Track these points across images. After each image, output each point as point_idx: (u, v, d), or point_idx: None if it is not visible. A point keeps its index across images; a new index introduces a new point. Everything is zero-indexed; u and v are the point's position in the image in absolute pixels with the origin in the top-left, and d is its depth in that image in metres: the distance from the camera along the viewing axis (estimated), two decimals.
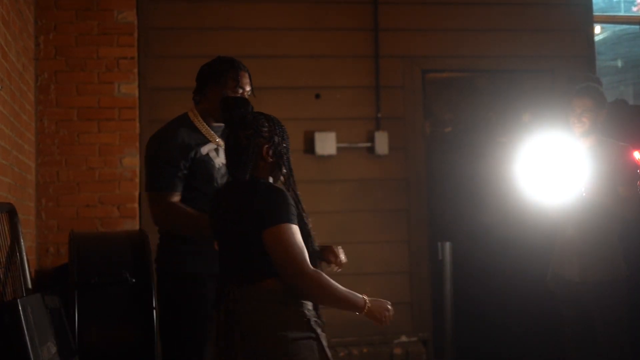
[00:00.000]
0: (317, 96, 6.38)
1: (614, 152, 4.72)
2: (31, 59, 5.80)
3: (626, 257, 4.80)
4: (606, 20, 7.92)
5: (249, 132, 3.14)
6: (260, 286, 3.00)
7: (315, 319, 3.04)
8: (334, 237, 6.32)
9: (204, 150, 4.02)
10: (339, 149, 6.33)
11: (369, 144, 6.40)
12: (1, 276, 3.79)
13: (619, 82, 9.60)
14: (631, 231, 4.99)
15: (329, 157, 6.33)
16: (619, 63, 9.44)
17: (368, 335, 6.27)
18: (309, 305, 3.03)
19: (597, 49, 6.99)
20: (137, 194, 6.00)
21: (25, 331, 3.42)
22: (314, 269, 2.96)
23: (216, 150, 4.04)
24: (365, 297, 3.07)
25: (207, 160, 4.02)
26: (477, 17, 6.68)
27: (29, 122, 5.64)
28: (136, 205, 5.99)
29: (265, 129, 3.17)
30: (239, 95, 4.08)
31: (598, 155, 4.69)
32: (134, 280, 4.37)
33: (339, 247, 3.37)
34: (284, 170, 3.21)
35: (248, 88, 4.17)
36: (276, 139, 3.18)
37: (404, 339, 6.38)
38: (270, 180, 3.18)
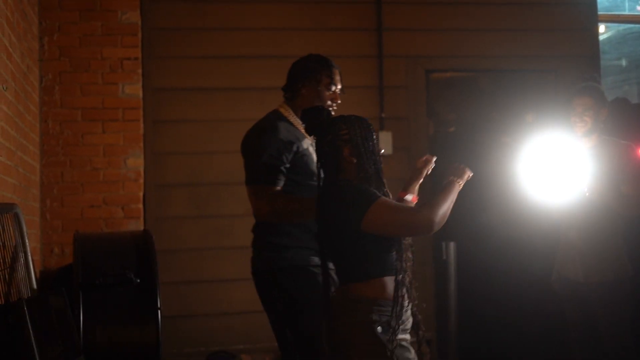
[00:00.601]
0: None
1: (617, 150, 4.72)
2: (35, 60, 5.81)
3: (630, 256, 4.79)
4: (610, 19, 7.90)
5: (328, 137, 3.28)
6: (349, 288, 3.14)
7: (393, 323, 3.09)
8: None
9: (305, 144, 4.04)
10: None
11: None
12: (6, 277, 3.79)
13: (623, 81, 9.58)
14: (635, 230, 4.99)
15: None
16: (624, 62, 9.42)
17: None
18: (388, 310, 3.09)
19: (602, 48, 6.99)
20: (141, 194, 6.01)
21: (31, 331, 3.42)
22: (417, 209, 3.13)
23: (312, 145, 4.05)
24: (453, 179, 3.39)
25: (307, 154, 4.04)
26: (480, 16, 6.68)
27: (34, 123, 5.65)
28: (140, 205, 6.00)
29: (344, 132, 3.27)
30: (332, 92, 4.15)
31: (600, 154, 4.68)
32: (138, 280, 4.38)
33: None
34: (370, 169, 3.26)
35: (340, 86, 4.21)
36: (357, 140, 3.27)
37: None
38: (358, 178, 3.27)
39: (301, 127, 4.06)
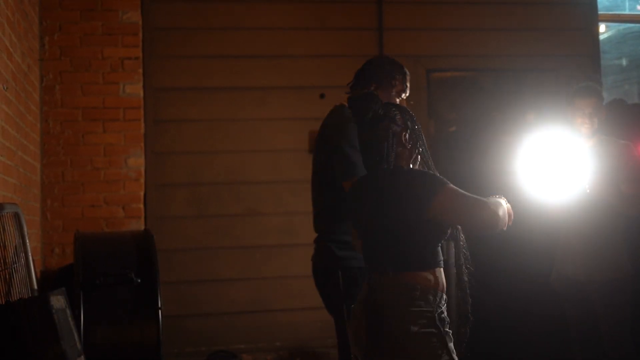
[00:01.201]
0: (322, 96, 6.37)
1: (616, 149, 4.73)
2: (36, 59, 5.80)
3: (630, 256, 4.79)
4: (611, 19, 7.89)
5: (385, 123, 3.22)
6: (403, 277, 3.07)
7: (444, 316, 3.10)
8: None
9: None
10: None
11: None
12: (7, 277, 3.79)
13: (624, 81, 9.58)
14: (635, 229, 4.98)
15: None
16: (624, 62, 9.41)
17: None
18: (441, 302, 3.09)
19: (602, 47, 6.98)
20: (142, 194, 6.01)
21: (31, 331, 3.42)
22: (485, 199, 3.13)
23: None
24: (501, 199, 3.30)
25: None
26: (481, 16, 6.67)
27: (34, 123, 5.65)
28: (141, 205, 6.00)
29: (399, 117, 3.25)
30: (402, 99, 4.17)
31: (601, 153, 4.69)
32: (139, 280, 4.38)
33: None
34: (422, 156, 3.30)
35: (408, 93, 4.23)
36: (410, 124, 3.26)
37: None
38: (411, 166, 3.27)
39: None
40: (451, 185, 3.09)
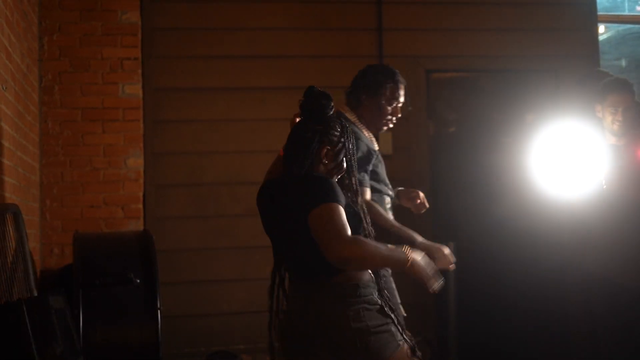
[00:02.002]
0: None
1: None
2: (35, 60, 5.80)
3: None
4: (610, 19, 7.90)
5: (319, 126, 3.07)
6: (331, 282, 2.93)
7: (388, 305, 3.00)
8: None
9: (375, 146, 4.08)
10: None
11: None
12: (6, 277, 3.79)
13: None
14: None
15: None
16: (623, 62, 9.41)
17: None
18: (375, 293, 3.00)
19: (601, 48, 6.98)
20: (141, 194, 6.01)
21: (30, 331, 3.42)
22: (353, 235, 2.82)
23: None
24: (408, 252, 3.00)
25: (382, 161, 4.06)
26: (481, 17, 6.67)
27: (33, 123, 5.65)
28: (140, 205, 6.00)
29: (336, 132, 3.08)
30: (394, 107, 4.18)
31: (634, 152, 4.51)
32: (138, 280, 4.38)
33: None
34: (346, 180, 3.12)
35: (402, 100, 4.21)
36: (345, 145, 3.10)
37: None
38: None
39: (369, 134, 4.09)
40: (338, 205, 2.84)
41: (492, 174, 6.61)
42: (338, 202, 2.86)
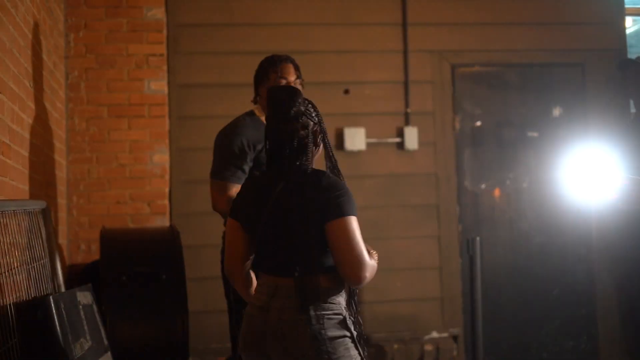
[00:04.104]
0: (346, 91, 6.36)
1: None
2: (61, 56, 5.83)
3: None
4: (637, 12, 7.82)
5: (304, 120, 3.04)
6: (308, 280, 2.90)
7: (351, 318, 2.98)
8: (364, 232, 6.30)
9: None
10: (368, 144, 6.32)
11: (398, 140, 6.38)
12: (34, 273, 3.81)
13: None
14: None
15: (359, 152, 6.32)
16: None
17: (398, 331, 6.26)
18: (343, 303, 2.98)
19: (628, 41, 6.91)
20: (167, 190, 6.03)
21: (58, 327, 3.44)
22: (368, 258, 2.91)
23: None
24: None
25: None
26: (506, 10, 6.63)
27: (60, 120, 5.68)
28: (166, 201, 6.02)
29: (315, 115, 3.09)
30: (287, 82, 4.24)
31: None
32: (164, 276, 4.39)
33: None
34: (326, 150, 3.14)
35: (292, 78, 4.33)
36: (323, 124, 3.13)
37: (434, 334, 6.36)
38: (313, 166, 3.07)
39: None
40: (355, 219, 2.90)
41: (519, 169, 6.58)
42: (356, 214, 2.92)
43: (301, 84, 4.30)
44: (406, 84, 6.44)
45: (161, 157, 6.03)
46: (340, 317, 2.94)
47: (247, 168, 4.22)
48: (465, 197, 6.54)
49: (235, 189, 4.11)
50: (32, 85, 4.57)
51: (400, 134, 6.39)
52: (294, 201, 2.95)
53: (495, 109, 6.65)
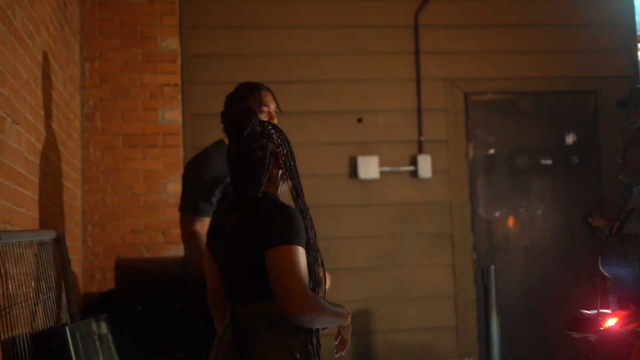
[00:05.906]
0: (360, 120, 6.38)
1: None
2: (77, 87, 5.88)
3: None
4: None
5: (262, 142, 2.90)
6: (266, 307, 2.78)
7: (310, 347, 2.83)
8: (377, 261, 6.32)
9: None
10: (382, 172, 6.33)
11: (412, 168, 6.39)
12: (50, 303, 3.82)
13: None
14: None
15: (372, 181, 6.32)
16: None
17: None
18: (308, 333, 2.84)
19: None
20: None
21: (74, 357, 3.45)
22: (313, 293, 2.73)
23: None
24: (347, 309, 2.92)
25: None
26: (518, 38, 6.66)
27: (75, 150, 5.71)
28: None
29: (276, 137, 2.95)
30: (265, 113, 4.24)
31: None
32: (179, 306, 4.39)
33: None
34: (292, 178, 2.99)
35: (273, 105, 4.29)
36: (286, 146, 2.98)
37: None
38: (280, 192, 2.97)
39: None
40: (298, 248, 2.71)
41: (533, 197, 6.58)
42: (301, 244, 2.75)
43: (276, 113, 4.29)
44: (419, 112, 6.45)
45: (175, 187, 6.04)
46: (295, 343, 2.80)
47: (214, 200, 4.13)
48: (479, 225, 6.53)
49: (200, 223, 4.11)
50: (48, 116, 4.60)
51: (414, 162, 6.40)
52: (240, 229, 2.84)
53: (509, 137, 6.65)
